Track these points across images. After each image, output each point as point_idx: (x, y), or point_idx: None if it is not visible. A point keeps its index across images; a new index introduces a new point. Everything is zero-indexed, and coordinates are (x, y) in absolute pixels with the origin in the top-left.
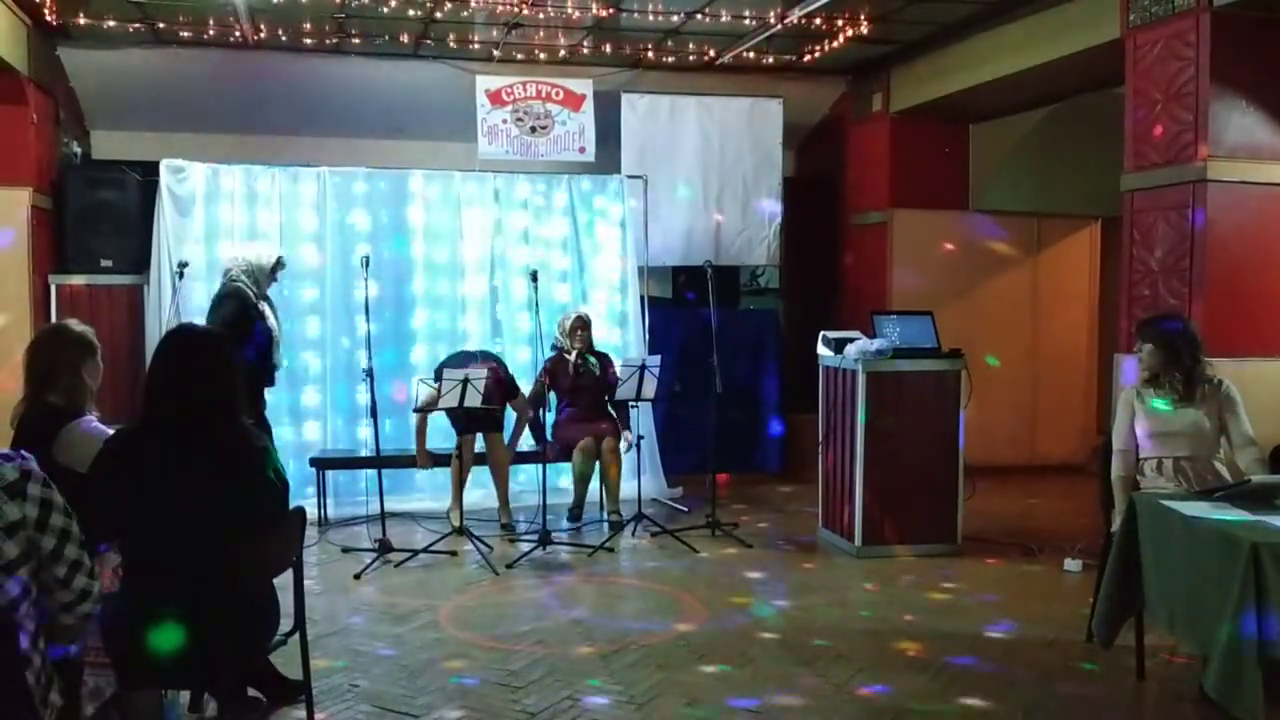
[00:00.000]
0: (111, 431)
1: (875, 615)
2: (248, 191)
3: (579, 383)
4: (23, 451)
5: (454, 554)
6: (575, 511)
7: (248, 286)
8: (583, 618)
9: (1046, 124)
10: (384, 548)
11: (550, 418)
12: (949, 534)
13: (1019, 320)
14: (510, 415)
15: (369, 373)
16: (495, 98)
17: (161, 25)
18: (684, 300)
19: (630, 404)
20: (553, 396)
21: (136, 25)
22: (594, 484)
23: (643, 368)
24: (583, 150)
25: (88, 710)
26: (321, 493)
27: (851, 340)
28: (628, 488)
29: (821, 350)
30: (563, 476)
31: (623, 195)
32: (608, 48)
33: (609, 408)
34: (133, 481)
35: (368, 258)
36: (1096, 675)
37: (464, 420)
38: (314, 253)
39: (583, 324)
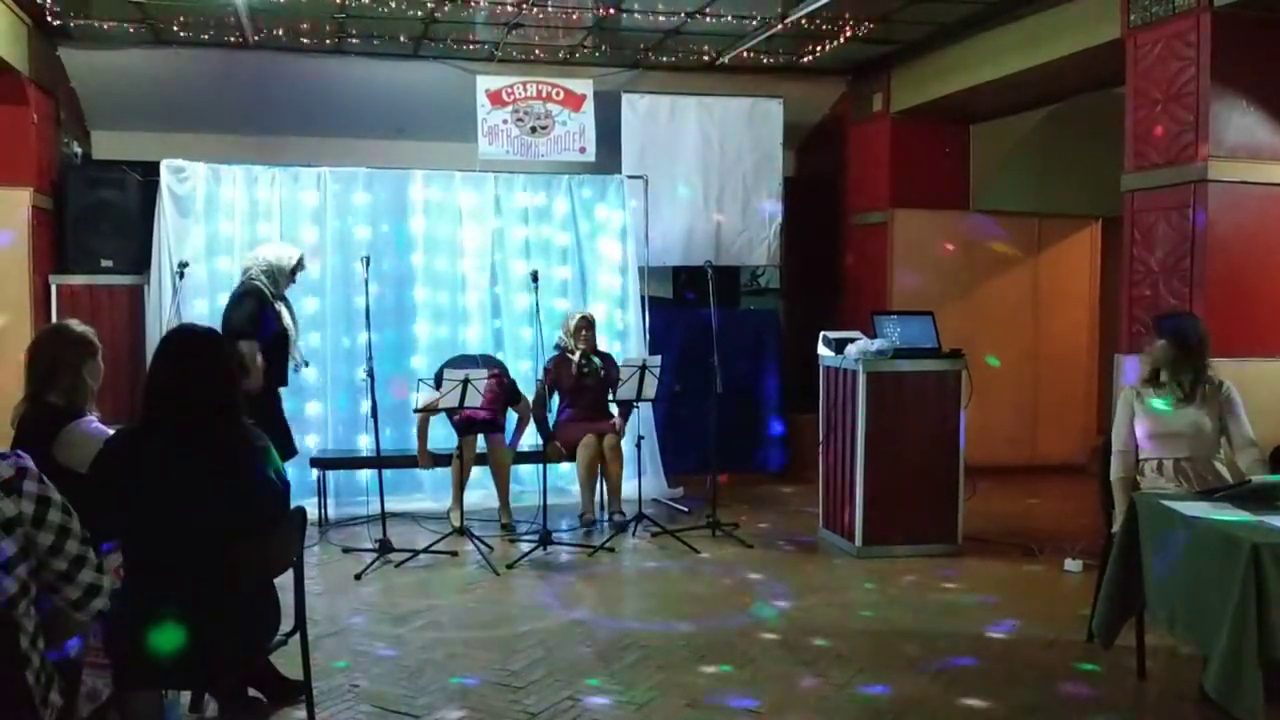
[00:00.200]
0: (112, 432)
1: (876, 615)
2: (248, 192)
3: (582, 383)
4: (18, 451)
5: (455, 554)
6: (586, 516)
7: (265, 286)
8: (583, 618)
9: (1047, 124)
10: (384, 548)
11: (551, 418)
12: (949, 534)
13: (1019, 320)
14: (511, 416)
15: (369, 373)
16: (495, 98)
17: (162, 25)
18: (684, 300)
19: (633, 404)
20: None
21: (137, 25)
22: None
23: (643, 368)
24: (583, 150)
25: (84, 712)
26: (322, 493)
27: (852, 340)
28: (628, 488)
29: (822, 350)
30: (563, 476)
31: (623, 195)
32: (608, 48)
33: (610, 407)
34: (133, 481)
35: (368, 258)
36: (1097, 675)
37: (466, 422)
38: (314, 253)
39: (587, 324)
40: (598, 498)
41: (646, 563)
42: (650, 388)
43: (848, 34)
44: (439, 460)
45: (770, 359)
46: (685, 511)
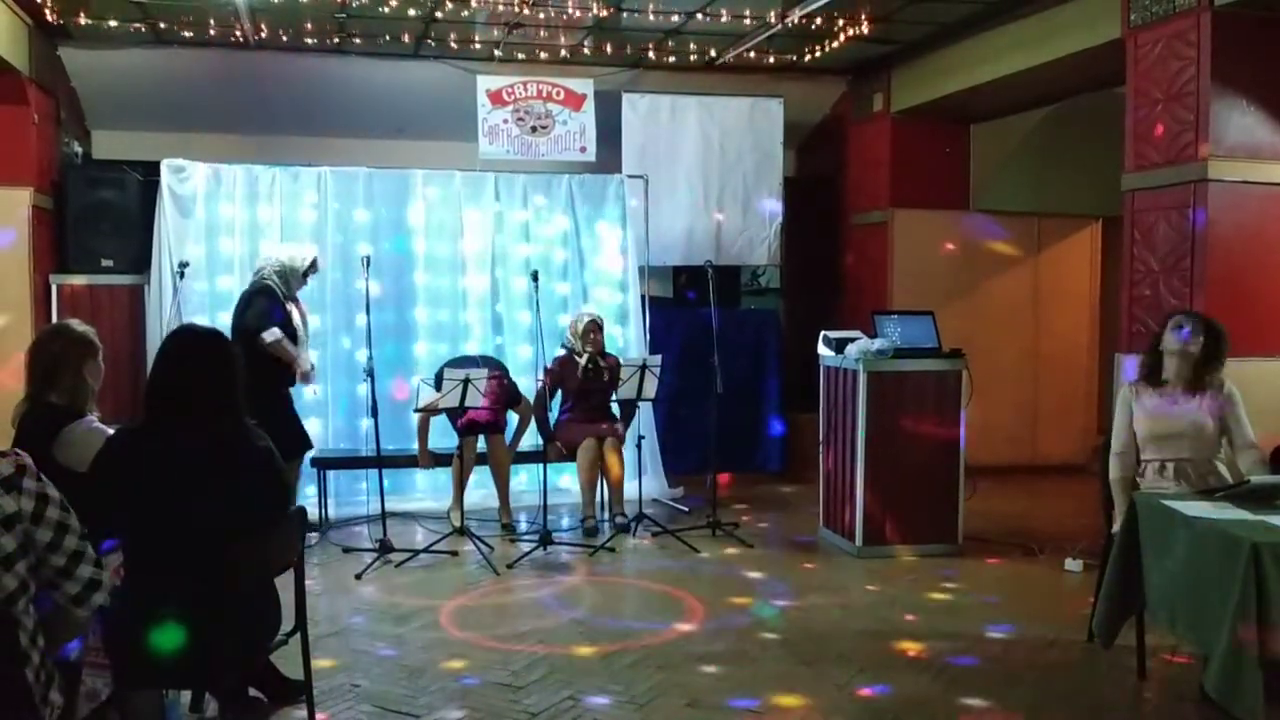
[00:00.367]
0: (112, 432)
1: (876, 615)
2: (249, 191)
3: (587, 386)
4: (17, 449)
5: (455, 554)
6: (589, 521)
7: (277, 286)
8: (583, 618)
9: (1047, 124)
10: (385, 548)
11: (552, 417)
12: (950, 534)
13: (1020, 320)
14: (512, 417)
15: (370, 372)
16: (496, 97)
17: (163, 25)
18: (685, 300)
19: (634, 407)
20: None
21: (138, 25)
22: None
23: (643, 368)
24: (583, 150)
25: (84, 712)
26: (322, 493)
27: (852, 340)
28: (628, 488)
29: (822, 350)
30: (564, 475)
31: (623, 195)
32: (608, 47)
33: (613, 408)
34: (133, 481)
35: (368, 258)
36: (1097, 675)
37: (466, 423)
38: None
39: (596, 327)
40: (598, 498)
41: (647, 563)
42: (650, 387)
43: (848, 34)
44: (439, 460)
45: (770, 359)
46: (685, 511)
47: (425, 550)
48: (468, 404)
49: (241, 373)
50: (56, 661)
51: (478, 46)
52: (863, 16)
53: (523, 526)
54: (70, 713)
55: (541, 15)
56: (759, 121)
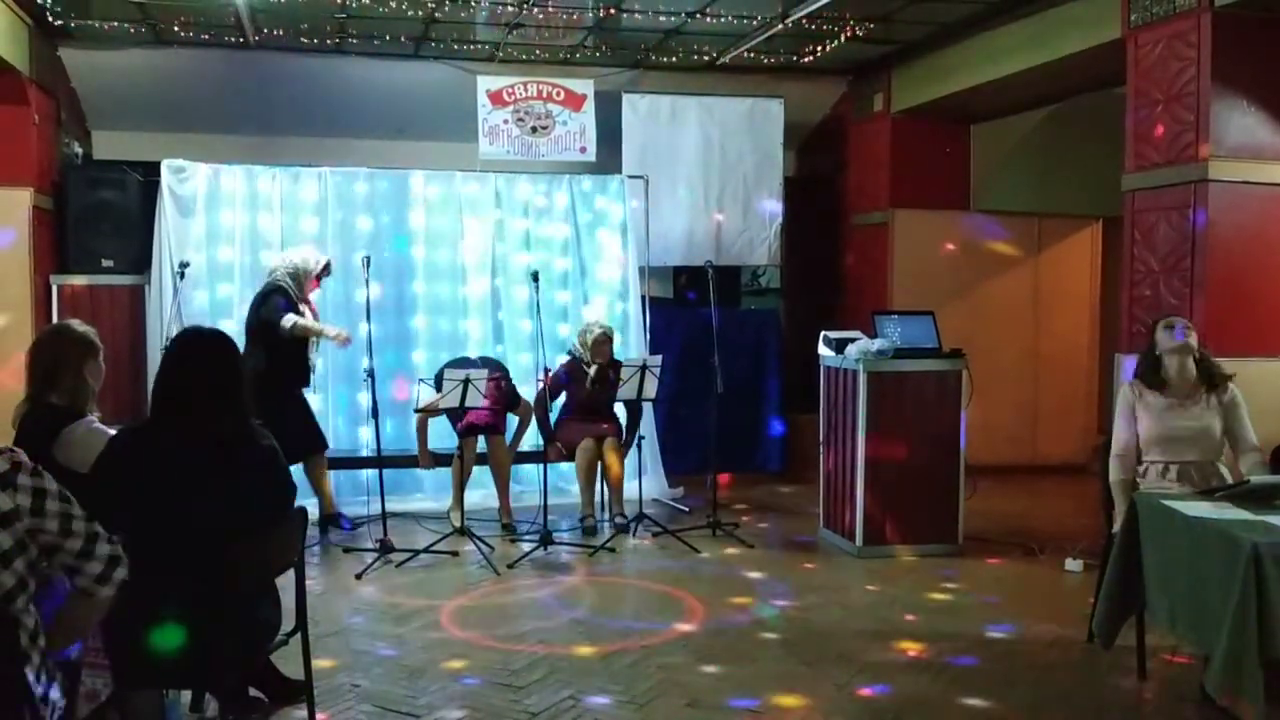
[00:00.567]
0: (113, 432)
1: (876, 615)
2: (249, 192)
3: (593, 394)
4: (12, 447)
5: (455, 554)
6: (588, 520)
7: (290, 288)
8: (584, 618)
9: (1047, 124)
10: (385, 548)
11: (552, 416)
12: (950, 534)
13: (1020, 320)
14: (512, 418)
15: (370, 373)
16: (496, 98)
17: (163, 26)
18: (685, 300)
19: (638, 421)
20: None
21: (138, 26)
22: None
23: (644, 368)
24: (584, 150)
25: (84, 712)
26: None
27: (853, 340)
28: (628, 488)
29: (823, 350)
30: (564, 476)
31: (624, 195)
32: (609, 48)
33: (618, 410)
34: (135, 481)
35: (369, 258)
36: (1098, 675)
37: (466, 425)
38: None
39: (607, 339)
40: (598, 499)
41: (647, 563)
42: (651, 388)
43: (848, 34)
44: (440, 460)
45: (771, 359)
46: (686, 511)
47: (426, 550)
48: (468, 404)
49: (246, 373)
50: (57, 661)
51: (478, 47)
52: (863, 17)
53: (523, 527)
54: (70, 713)
55: (542, 16)
56: (759, 122)
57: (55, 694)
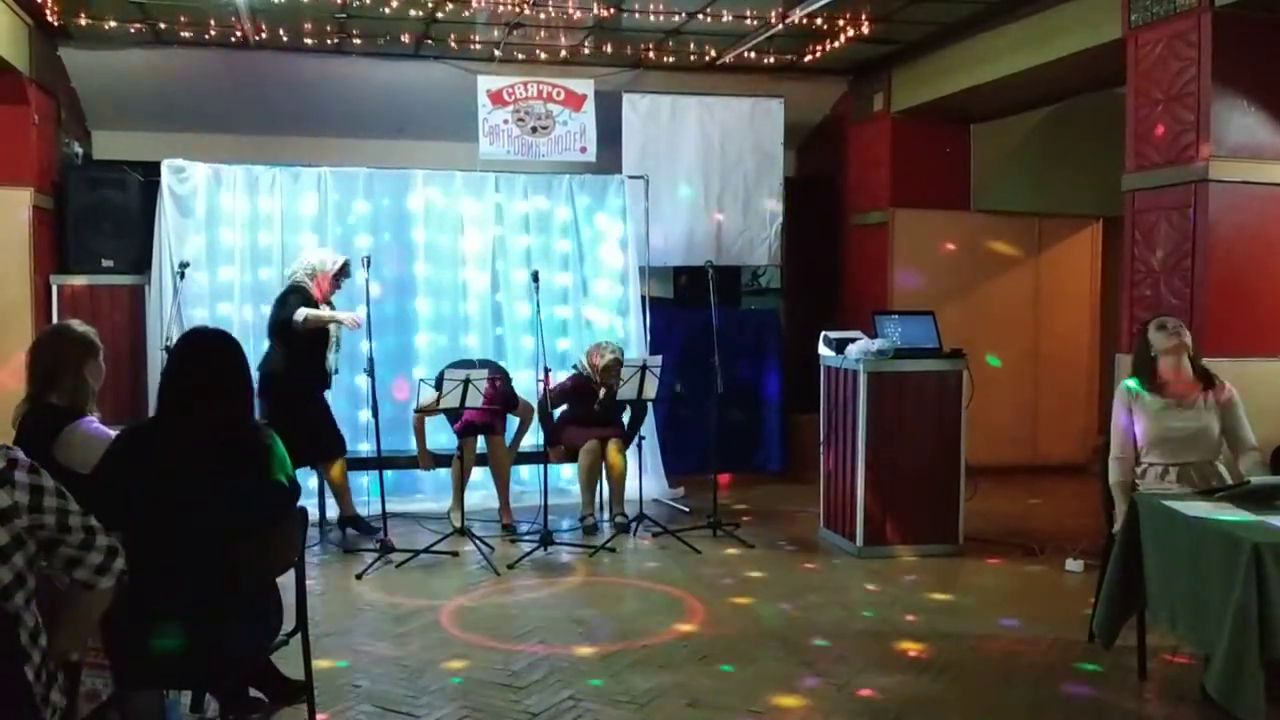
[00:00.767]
0: (113, 432)
1: (877, 615)
2: (249, 192)
3: (599, 411)
4: (7, 445)
5: (455, 554)
6: (588, 520)
7: (308, 288)
8: (584, 618)
9: (1048, 124)
10: (385, 548)
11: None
12: (950, 534)
13: (1020, 320)
14: (512, 420)
15: (370, 373)
16: (496, 98)
17: (163, 25)
18: (685, 300)
19: (639, 427)
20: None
21: (138, 25)
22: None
23: (644, 368)
24: (584, 150)
25: (84, 712)
26: (323, 493)
27: (853, 340)
28: (629, 488)
29: (823, 350)
30: (564, 477)
31: (624, 195)
32: (609, 48)
33: (617, 418)
34: (137, 480)
35: (369, 257)
36: (1098, 675)
37: (465, 425)
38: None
39: (618, 364)
40: (599, 499)
41: (647, 563)
42: (651, 388)
43: (848, 34)
44: (440, 461)
45: (771, 359)
46: (686, 511)
47: (426, 550)
48: (468, 405)
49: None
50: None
51: (478, 47)
52: (863, 16)
53: (523, 527)
54: (71, 713)
55: (542, 15)
56: (759, 122)
57: (55, 695)
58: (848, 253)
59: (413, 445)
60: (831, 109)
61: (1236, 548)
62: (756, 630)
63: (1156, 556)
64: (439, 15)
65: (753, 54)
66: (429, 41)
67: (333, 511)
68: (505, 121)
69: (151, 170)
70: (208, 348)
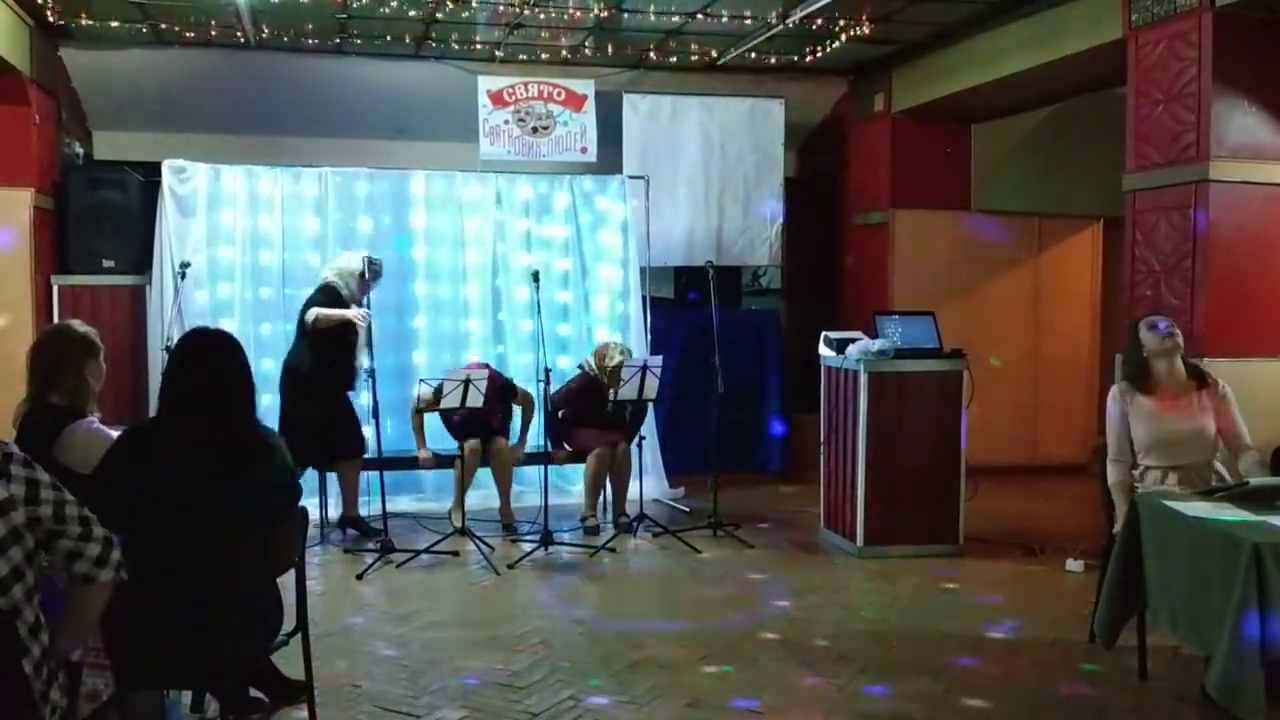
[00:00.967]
0: (113, 433)
1: (877, 616)
2: (250, 192)
3: (607, 414)
4: (1, 440)
5: (456, 554)
6: (590, 520)
7: (340, 286)
8: (584, 618)
9: (1048, 124)
10: (386, 548)
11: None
12: (951, 534)
13: (1021, 320)
14: (514, 421)
15: (371, 373)
16: (497, 98)
17: (164, 26)
18: (686, 300)
19: (639, 429)
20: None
21: (139, 26)
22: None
23: (644, 368)
24: (584, 150)
25: (83, 712)
26: (323, 493)
27: (853, 340)
28: (630, 489)
29: (823, 350)
30: (564, 477)
31: (624, 196)
32: (609, 48)
33: (625, 419)
34: (138, 480)
35: (369, 257)
36: (1099, 676)
37: (466, 426)
38: (315, 252)
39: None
40: (602, 499)
41: (648, 563)
42: (652, 388)
43: (849, 34)
44: (441, 460)
45: (771, 359)
46: (687, 512)
47: (426, 551)
48: (469, 405)
49: (249, 374)
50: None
51: (478, 47)
52: (864, 17)
53: (524, 527)
54: (71, 713)
55: (542, 16)
56: (760, 122)
57: (56, 693)
58: (848, 253)
59: (414, 445)
60: (832, 109)
61: (1237, 548)
62: (757, 631)
63: (1157, 557)
64: (439, 16)
65: (753, 54)
66: (429, 42)
67: (333, 511)
68: (506, 122)
69: (152, 170)
70: (208, 348)
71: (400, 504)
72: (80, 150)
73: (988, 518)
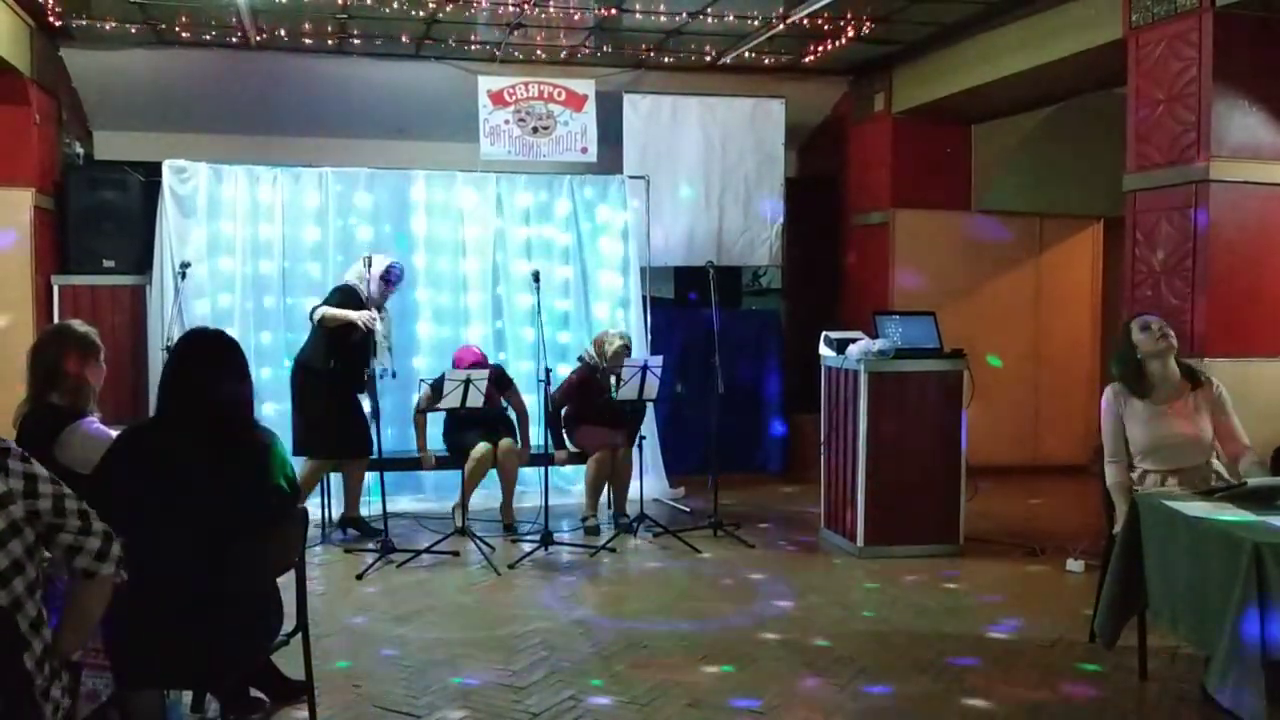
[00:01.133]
0: (113, 433)
1: (877, 616)
2: (250, 192)
3: (609, 406)
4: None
5: (456, 554)
6: (590, 519)
7: (359, 287)
8: (585, 618)
9: (1048, 124)
10: (386, 548)
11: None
12: (951, 534)
13: (1021, 320)
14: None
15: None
16: (497, 98)
17: (164, 26)
18: (686, 301)
19: (639, 429)
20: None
21: (139, 26)
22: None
23: (645, 368)
24: (585, 151)
25: (83, 712)
26: (325, 493)
27: (854, 340)
28: (630, 489)
29: (824, 350)
30: (564, 477)
31: (625, 196)
32: (610, 48)
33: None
34: (138, 480)
35: (370, 258)
36: (1099, 676)
37: (469, 428)
38: (315, 253)
39: (628, 349)
40: (601, 500)
41: (648, 563)
42: (652, 388)
43: (849, 34)
44: (441, 460)
45: (772, 359)
46: (687, 512)
47: (426, 550)
48: (469, 405)
49: (249, 374)
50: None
51: (479, 47)
52: (864, 17)
53: (524, 527)
54: (71, 713)
55: (543, 16)
56: (760, 122)
57: (57, 691)
58: (848, 253)
59: (414, 445)
60: (832, 109)
61: (1237, 548)
62: (758, 631)
63: (1157, 557)
64: (440, 15)
65: (753, 54)
66: (430, 42)
67: (335, 512)
68: (506, 122)
69: (152, 170)
70: (208, 348)
71: (401, 504)
72: (80, 150)
73: (988, 518)
